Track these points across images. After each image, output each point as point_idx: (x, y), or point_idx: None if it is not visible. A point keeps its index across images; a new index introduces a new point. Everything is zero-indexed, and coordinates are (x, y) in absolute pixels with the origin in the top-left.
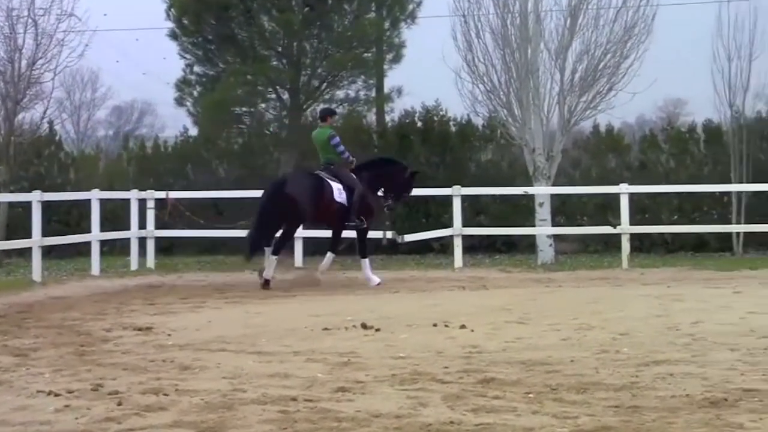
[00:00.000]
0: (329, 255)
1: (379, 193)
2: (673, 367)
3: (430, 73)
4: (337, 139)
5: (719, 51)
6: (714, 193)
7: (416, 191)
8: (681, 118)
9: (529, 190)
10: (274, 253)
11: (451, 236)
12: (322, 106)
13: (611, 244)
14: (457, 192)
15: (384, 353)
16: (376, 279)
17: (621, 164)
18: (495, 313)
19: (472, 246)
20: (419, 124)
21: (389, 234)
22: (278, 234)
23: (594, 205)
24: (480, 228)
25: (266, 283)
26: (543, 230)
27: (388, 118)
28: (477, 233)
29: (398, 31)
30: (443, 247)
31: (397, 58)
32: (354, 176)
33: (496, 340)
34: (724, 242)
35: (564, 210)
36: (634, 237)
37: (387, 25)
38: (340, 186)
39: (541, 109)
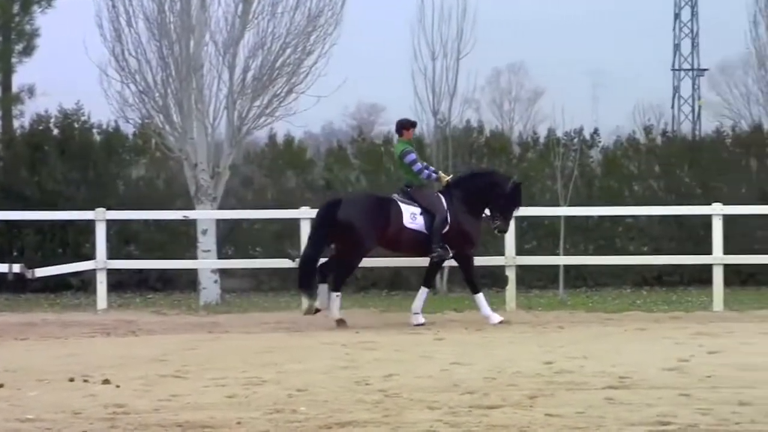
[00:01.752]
0: (422, 290)
1: (486, 213)
2: (360, 430)
3: (70, 68)
4: (412, 156)
5: (421, 47)
6: None
7: (52, 215)
8: (377, 127)
9: (190, 214)
10: (335, 289)
11: (94, 270)
12: None
13: (291, 280)
14: (101, 216)
15: (8, 415)
16: (496, 317)
17: (303, 183)
18: (146, 365)
19: (120, 282)
20: (55, 131)
21: (16, 267)
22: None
23: (270, 232)
24: (130, 260)
25: (316, 312)
26: (206, 263)
27: (16, 123)
28: (126, 267)
29: (30, 16)
30: (84, 283)
31: (29, 50)
32: (440, 198)
33: (147, 398)
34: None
35: (233, 239)
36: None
37: (16, 8)
38: (416, 210)
39: (205, 115)
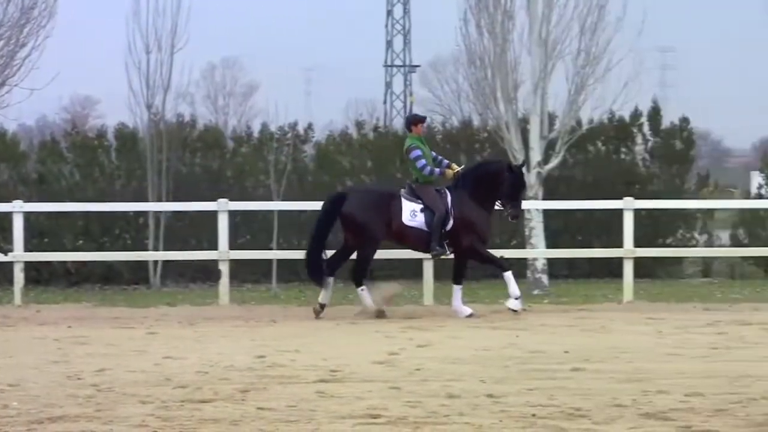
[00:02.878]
0: (454, 288)
1: (497, 205)
2: (72, 425)
3: None
4: (417, 152)
5: (136, 41)
6: (128, 212)
7: None
8: (91, 120)
9: None
10: (357, 284)
11: None
12: None
13: (2, 275)
14: None
15: None
16: (466, 309)
17: (16, 176)
18: None
19: None
20: None
21: None
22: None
23: None
24: None
25: (322, 309)
26: None
27: None
28: None
29: None
30: None
31: None
32: (443, 195)
33: None
34: (138, 273)
35: None
36: (30, 266)
37: None
38: (416, 207)
39: None
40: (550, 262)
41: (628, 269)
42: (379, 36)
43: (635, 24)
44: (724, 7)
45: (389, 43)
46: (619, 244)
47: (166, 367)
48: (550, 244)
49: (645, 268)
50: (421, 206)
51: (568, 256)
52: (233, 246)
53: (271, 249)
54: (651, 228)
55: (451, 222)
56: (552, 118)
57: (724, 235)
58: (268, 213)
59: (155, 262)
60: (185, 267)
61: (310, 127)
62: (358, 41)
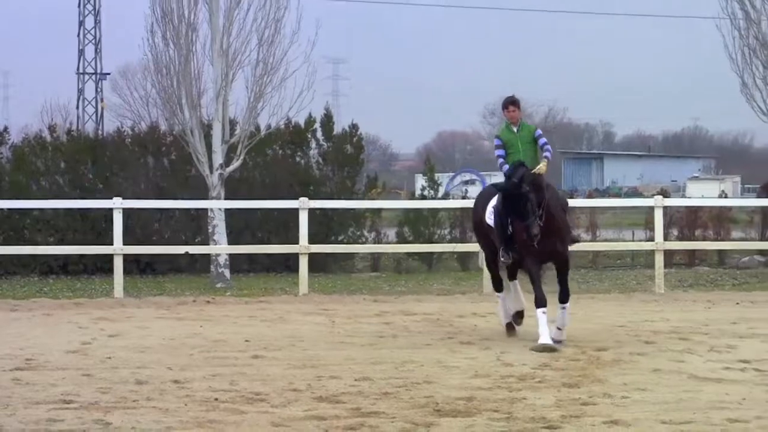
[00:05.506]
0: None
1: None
2: None
3: None
4: (497, 152)
5: None
6: None
7: None
8: None
9: None
10: (511, 278)
11: None
12: None
13: None
14: None
15: None
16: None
17: None
18: None
19: None
20: None
21: None
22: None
23: None
24: None
25: (518, 317)
26: None
27: None
28: None
29: None
30: None
31: None
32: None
33: None
34: None
35: None
36: None
37: None
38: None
39: None
40: (233, 257)
41: (304, 264)
42: (72, 45)
43: (310, 37)
44: (392, 18)
45: (81, 52)
46: (295, 241)
47: None
48: (232, 240)
49: (319, 263)
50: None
51: (248, 251)
52: None
53: None
54: (324, 226)
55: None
56: (233, 123)
57: (391, 233)
58: None
59: None
60: None
61: (6, 130)
62: (52, 49)
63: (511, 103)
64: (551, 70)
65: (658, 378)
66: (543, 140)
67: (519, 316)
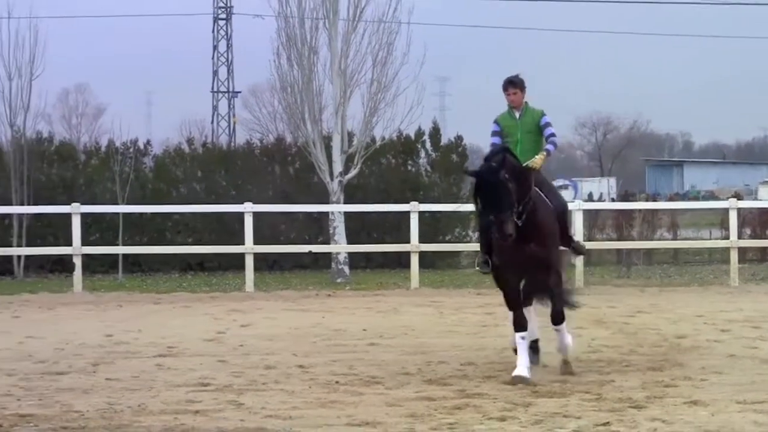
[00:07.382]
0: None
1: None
2: None
3: None
4: (493, 126)
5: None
6: None
7: None
8: None
9: None
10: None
11: None
12: None
13: None
14: None
15: None
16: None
17: None
18: None
19: None
20: None
21: None
22: None
23: None
24: None
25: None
26: None
27: None
28: None
29: None
30: None
31: None
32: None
33: None
34: (4, 265)
35: None
36: None
37: None
38: None
39: None
40: (351, 255)
41: (415, 261)
42: (207, 66)
43: (418, 58)
44: (488, 41)
45: (215, 73)
46: (406, 240)
47: (28, 345)
48: (351, 240)
49: (428, 260)
50: None
51: (365, 250)
52: (85, 242)
53: (117, 245)
54: (432, 227)
55: None
56: (351, 135)
57: None
58: (114, 215)
59: (19, 257)
60: (44, 260)
61: (148, 142)
62: (188, 70)
63: (510, 83)
64: (637, 85)
65: (733, 362)
66: (549, 130)
67: (534, 351)
